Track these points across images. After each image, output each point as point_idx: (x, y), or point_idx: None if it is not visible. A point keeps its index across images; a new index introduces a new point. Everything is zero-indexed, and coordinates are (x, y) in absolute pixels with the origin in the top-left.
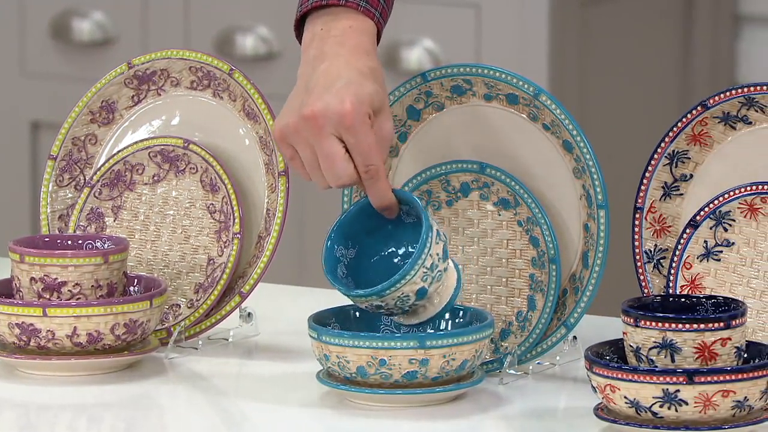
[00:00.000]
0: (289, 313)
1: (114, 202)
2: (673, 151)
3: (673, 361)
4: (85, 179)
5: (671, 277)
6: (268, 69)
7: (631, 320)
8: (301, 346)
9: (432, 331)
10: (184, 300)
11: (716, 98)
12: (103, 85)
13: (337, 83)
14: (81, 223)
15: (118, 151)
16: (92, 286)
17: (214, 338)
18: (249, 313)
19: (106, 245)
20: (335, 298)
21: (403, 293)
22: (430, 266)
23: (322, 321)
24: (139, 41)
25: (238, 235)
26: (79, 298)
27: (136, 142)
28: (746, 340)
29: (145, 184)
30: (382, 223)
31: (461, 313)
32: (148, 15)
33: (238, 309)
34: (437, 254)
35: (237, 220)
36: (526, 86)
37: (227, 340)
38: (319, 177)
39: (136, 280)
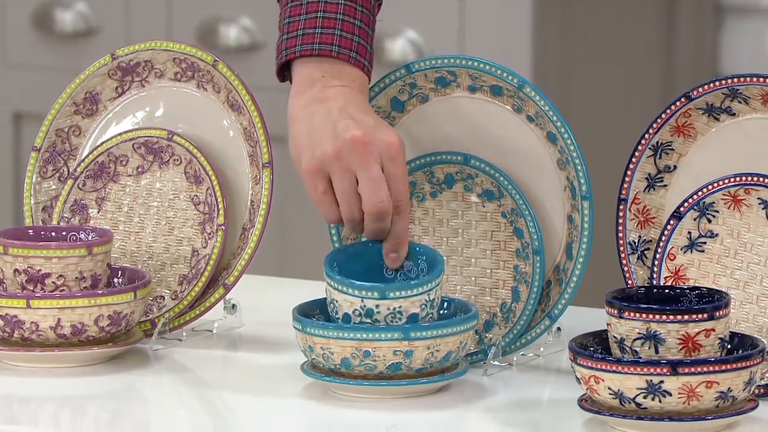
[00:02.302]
0: (273, 305)
1: (98, 193)
2: (657, 142)
3: (657, 352)
4: (68, 171)
5: (655, 269)
6: (251, 60)
7: (615, 311)
8: (285, 337)
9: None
10: (169, 291)
11: (700, 90)
12: (86, 76)
13: (368, 119)
14: (65, 215)
15: (102, 143)
16: (76, 277)
17: (199, 330)
18: (233, 305)
19: (90, 237)
20: (319, 290)
21: (401, 307)
22: (431, 300)
23: (306, 313)
24: (122, 32)
25: (223, 227)
26: (63, 290)
27: (120, 134)
28: (730, 331)
29: (129, 175)
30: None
31: (446, 304)
32: (131, 5)
33: (222, 301)
34: (438, 298)
35: (221, 212)
36: (510, 78)
37: (211, 331)
38: (352, 206)
39: (120, 272)
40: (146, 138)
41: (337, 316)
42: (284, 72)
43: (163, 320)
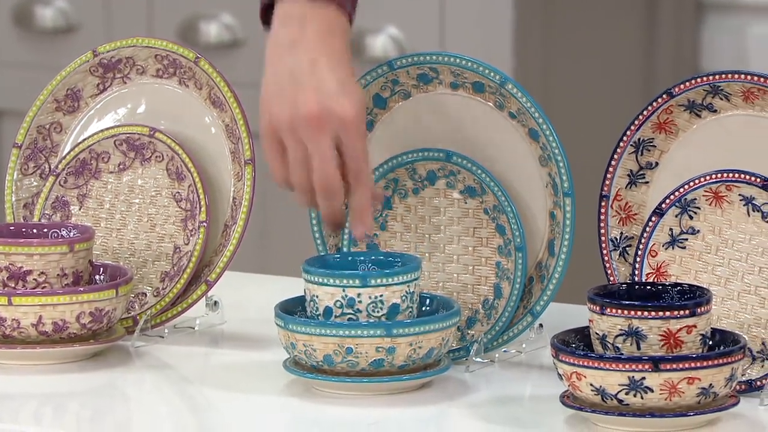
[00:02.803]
0: (255, 302)
1: (79, 190)
2: (639, 139)
3: (638, 348)
4: (50, 167)
5: (637, 265)
6: (232, 57)
7: (597, 308)
8: (267, 334)
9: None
10: (150, 288)
11: (681, 86)
12: (68, 73)
13: (331, 83)
14: (46, 212)
15: (84, 140)
16: (58, 274)
17: (181, 327)
18: (215, 302)
19: (71, 234)
20: (301, 287)
21: (383, 296)
22: (410, 292)
23: (288, 309)
24: (102, 28)
25: (204, 224)
26: (44, 287)
27: (101, 131)
28: (711, 328)
29: (111, 172)
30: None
31: (428, 301)
32: (111, 2)
33: (204, 297)
34: (417, 294)
35: (203, 209)
36: (492, 74)
37: (193, 328)
38: (302, 176)
39: (101, 269)
40: (128, 135)
41: (318, 313)
42: (268, 16)
43: (144, 317)
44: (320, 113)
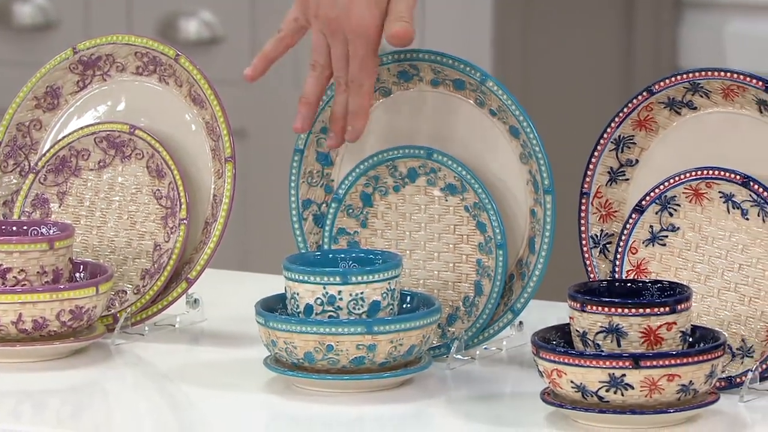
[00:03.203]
0: (235, 299)
1: (59, 188)
2: (619, 136)
3: (619, 345)
4: (29, 165)
5: (617, 262)
6: (212, 54)
7: (578, 305)
8: (248, 331)
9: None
10: (131, 286)
11: (662, 84)
12: (47, 70)
13: None
14: (26, 209)
15: (64, 137)
16: (37, 272)
17: (161, 324)
18: (195, 299)
19: (51, 231)
20: (281, 285)
21: (363, 293)
22: (391, 289)
23: (269, 307)
24: (81, 25)
25: (185, 221)
26: (24, 285)
27: (81, 128)
28: (691, 325)
29: (91, 169)
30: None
31: (408, 298)
32: None
33: (184, 295)
34: (398, 291)
35: (183, 206)
36: (472, 72)
37: (174, 326)
38: (322, 53)
39: (81, 267)
40: (108, 132)
41: (298, 310)
42: None
43: (125, 315)
44: (338, 18)
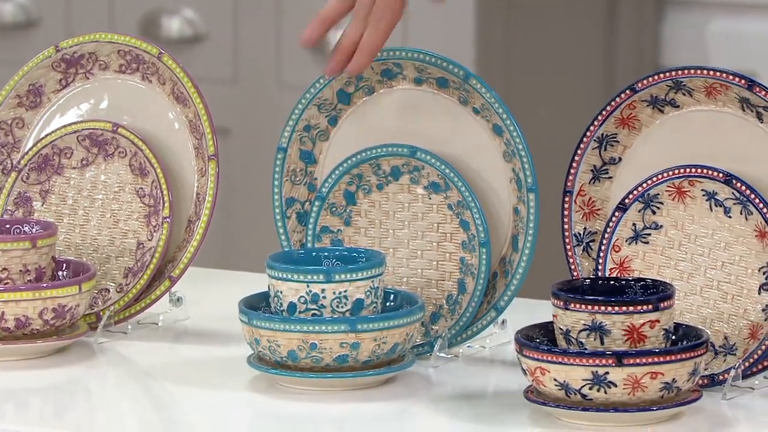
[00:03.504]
0: (218, 297)
1: (42, 186)
2: (602, 134)
3: (602, 343)
4: (12, 163)
5: (600, 260)
6: (194, 52)
7: (561, 303)
8: (231, 330)
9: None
10: (114, 284)
11: (644, 82)
12: (30, 68)
13: None
14: (8, 208)
15: (46, 135)
16: (20, 270)
17: (144, 323)
18: (179, 298)
19: (34, 230)
20: (265, 283)
21: (347, 291)
22: (375, 287)
23: (252, 305)
24: (62, 23)
25: (168, 220)
26: (6, 283)
27: (64, 126)
28: (674, 322)
29: (74, 168)
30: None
31: (392, 296)
32: None
33: (167, 293)
34: (381, 289)
35: (166, 204)
36: (456, 70)
37: (157, 324)
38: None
39: (64, 265)
40: (91, 130)
41: (282, 308)
42: None
43: (108, 313)
44: None
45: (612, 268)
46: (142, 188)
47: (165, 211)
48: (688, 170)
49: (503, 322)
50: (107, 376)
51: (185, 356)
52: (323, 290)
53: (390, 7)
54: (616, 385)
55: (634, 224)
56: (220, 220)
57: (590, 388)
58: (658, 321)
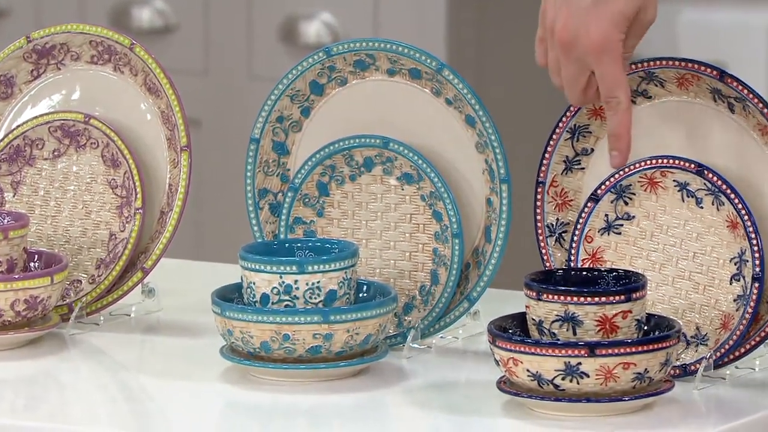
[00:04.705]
0: (191, 289)
1: (13, 177)
2: (575, 125)
3: (575, 334)
4: None
5: (573, 251)
6: (165, 42)
7: (534, 294)
8: (203, 321)
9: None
10: (86, 276)
11: None
12: (1, 59)
13: (585, 2)
14: None
15: (18, 126)
16: None
17: (116, 314)
18: (151, 289)
19: (5, 221)
20: (237, 274)
21: (320, 282)
22: (347, 279)
23: (225, 296)
24: (32, 14)
25: (140, 211)
26: None
27: (35, 117)
28: (646, 313)
29: (46, 159)
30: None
31: (365, 287)
32: None
33: (140, 284)
34: (354, 280)
35: (139, 196)
36: (429, 61)
37: (129, 315)
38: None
39: (36, 256)
40: (62, 121)
41: (255, 300)
42: None
43: (80, 304)
44: (568, 39)
45: (584, 259)
46: (114, 179)
47: (137, 203)
48: (660, 161)
49: (476, 312)
50: (79, 367)
51: (157, 347)
52: (296, 281)
53: (618, 86)
54: (588, 376)
55: (606, 215)
56: (193, 211)
57: (563, 379)
58: (630, 311)
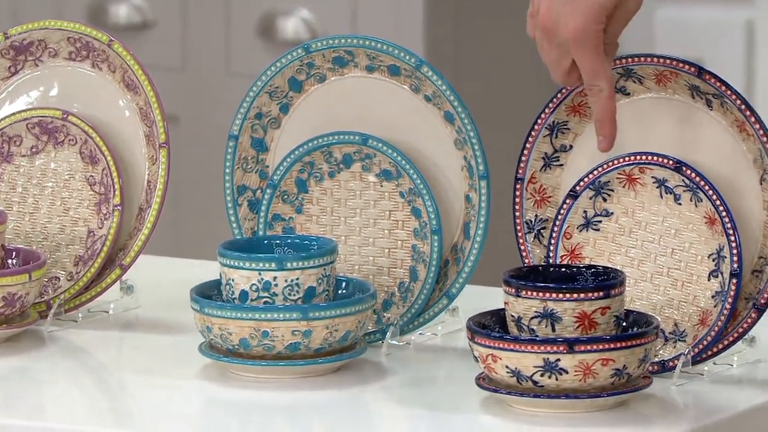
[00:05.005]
0: (170, 286)
1: None
2: (553, 122)
3: (553, 330)
4: None
5: (551, 247)
6: (142, 38)
7: (513, 290)
8: (182, 318)
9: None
10: (64, 273)
11: None
12: None
13: None
14: None
15: None
16: None
17: (95, 311)
18: (129, 286)
19: None
20: (216, 271)
21: (299, 278)
22: (326, 275)
23: (204, 293)
24: (8, 10)
25: (119, 207)
26: None
27: (13, 114)
28: (625, 309)
29: (23, 155)
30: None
31: (344, 284)
32: None
33: (118, 281)
34: (333, 277)
35: (117, 192)
36: (407, 57)
37: (108, 312)
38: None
39: (14, 253)
40: (40, 118)
41: (234, 296)
42: None
43: (58, 301)
44: (549, 25)
45: (563, 256)
46: (92, 176)
47: (116, 199)
48: (638, 157)
49: (455, 309)
50: (57, 364)
51: (136, 344)
52: (275, 278)
53: (598, 75)
54: (567, 372)
55: (585, 211)
56: (171, 208)
57: (541, 375)
58: (608, 308)
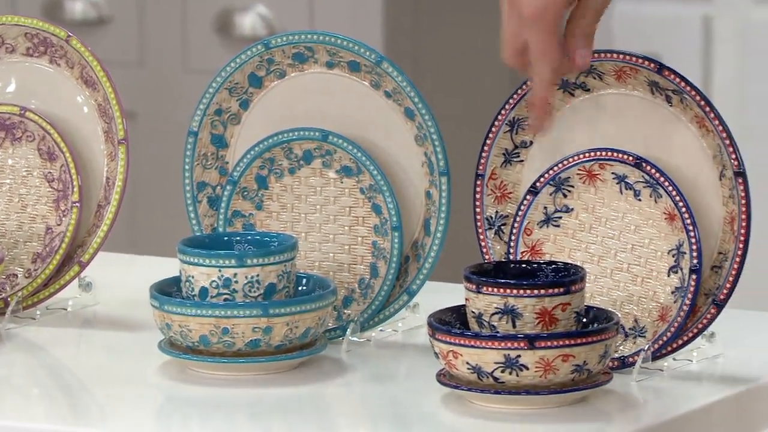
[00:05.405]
0: (129, 282)
1: None
2: (514, 118)
3: (514, 326)
4: None
5: (512, 244)
6: (98, 34)
7: (473, 286)
8: (141, 315)
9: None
10: (22, 270)
11: None
12: None
13: None
14: None
15: None
16: None
17: (53, 308)
18: (88, 283)
19: None
20: (175, 268)
21: (259, 275)
22: (287, 272)
23: (164, 290)
24: None
25: (77, 204)
26: None
27: None
28: (585, 305)
29: None
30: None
31: (304, 280)
32: None
33: (77, 278)
34: (292, 278)
35: (76, 189)
36: (368, 53)
37: (66, 309)
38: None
39: None
40: None
41: (193, 293)
42: None
43: (16, 299)
44: (511, 2)
45: (524, 252)
46: (50, 172)
47: (74, 196)
48: (598, 153)
49: (415, 305)
50: (15, 362)
51: (95, 342)
52: (235, 275)
53: (542, 58)
54: (527, 368)
55: (545, 207)
56: (130, 205)
57: (502, 371)
58: (569, 304)
